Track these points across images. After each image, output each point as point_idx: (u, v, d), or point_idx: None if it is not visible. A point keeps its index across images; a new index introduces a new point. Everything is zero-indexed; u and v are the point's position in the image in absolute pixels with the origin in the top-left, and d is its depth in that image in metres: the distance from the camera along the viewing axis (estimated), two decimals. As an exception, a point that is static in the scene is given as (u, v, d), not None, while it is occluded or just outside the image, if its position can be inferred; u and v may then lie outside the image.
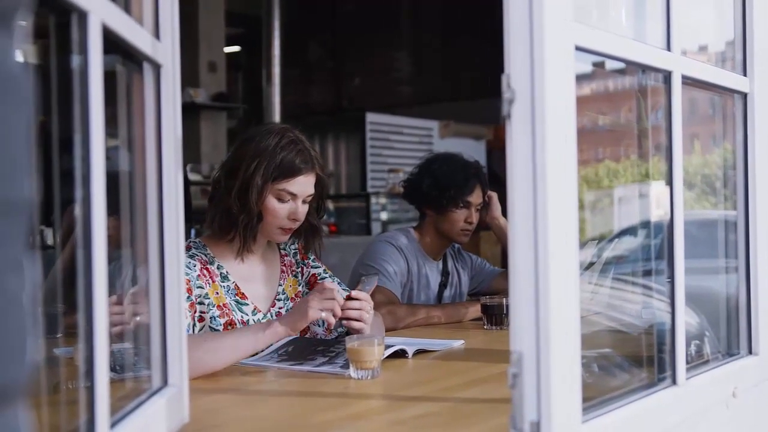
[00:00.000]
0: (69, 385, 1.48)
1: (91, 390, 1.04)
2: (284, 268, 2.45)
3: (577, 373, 1.25)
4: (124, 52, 1.27)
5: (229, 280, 2.29)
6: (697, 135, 2.19)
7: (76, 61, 1.05)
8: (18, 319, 0.57)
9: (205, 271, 2.24)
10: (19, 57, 0.59)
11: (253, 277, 2.36)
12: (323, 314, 2.07)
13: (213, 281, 2.25)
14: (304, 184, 2.28)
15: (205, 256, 2.28)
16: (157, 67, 1.39)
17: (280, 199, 2.26)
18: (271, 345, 2.15)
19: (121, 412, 1.21)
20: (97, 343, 1.04)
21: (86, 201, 1.04)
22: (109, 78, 1.12)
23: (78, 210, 1.04)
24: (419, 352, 2.24)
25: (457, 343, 2.41)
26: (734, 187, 1.95)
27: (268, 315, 2.34)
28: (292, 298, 2.42)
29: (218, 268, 2.29)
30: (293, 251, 2.50)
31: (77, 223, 1.06)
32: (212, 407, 1.71)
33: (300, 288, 2.46)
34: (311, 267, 2.52)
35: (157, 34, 1.39)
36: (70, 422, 1.17)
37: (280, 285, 2.42)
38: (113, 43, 1.16)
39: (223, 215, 2.27)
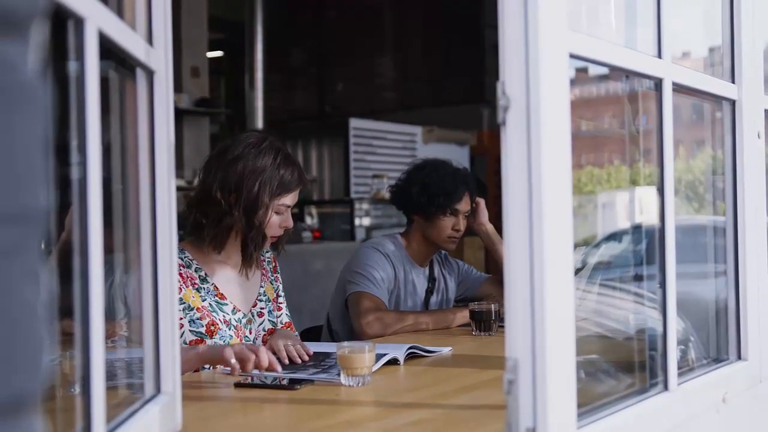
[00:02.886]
0: (58, 393, 1.47)
1: (87, 398, 1.03)
2: (264, 271, 2.54)
3: (573, 379, 1.25)
4: (117, 58, 1.27)
5: (208, 282, 2.35)
6: (680, 140, 2.20)
7: (72, 66, 1.05)
8: (35, 329, 0.56)
9: (179, 276, 2.25)
10: (34, 65, 0.59)
11: (233, 280, 2.41)
12: (233, 361, 1.93)
13: (187, 285, 2.30)
14: (296, 196, 2.41)
15: (182, 259, 2.31)
16: (150, 74, 1.38)
17: (278, 213, 2.36)
18: None
19: (114, 421, 1.21)
20: (94, 351, 1.03)
21: (83, 207, 1.03)
22: (102, 84, 1.11)
23: (74, 216, 1.04)
24: (411, 357, 2.24)
25: (446, 350, 2.41)
26: (717, 192, 1.96)
27: (249, 314, 2.42)
28: (273, 299, 2.52)
29: (196, 271, 2.34)
30: (267, 259, 2.58)
31: (72, 230, 1.05)
32: (204, 415, 1.71)
33: (275, 294, 2.55)
34: (279, 282, 2.61)
35: (150, 41, 1.38)
36: (65, 430, 1.17)
37: (262, 287, 2.50)
38: (107, 49, 1.15)
39: (226, 233, 2.33)
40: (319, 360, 2.20)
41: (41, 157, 0.58)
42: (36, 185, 0.57)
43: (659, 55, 1.57)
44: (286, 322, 2.52)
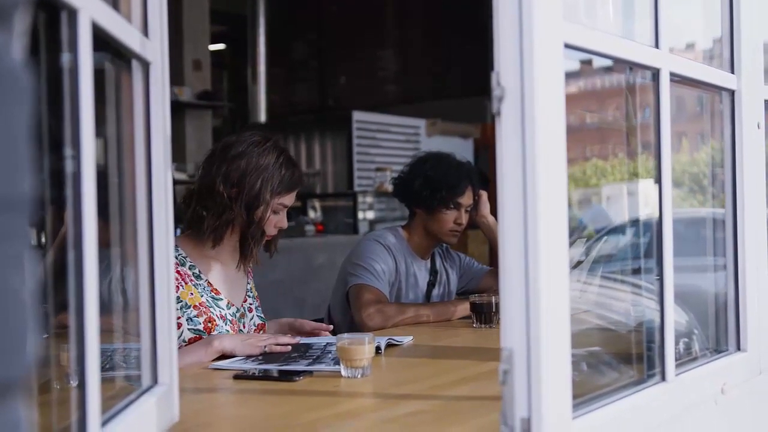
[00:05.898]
0: (56, 385, 1.47)
1: (82, 389, 1.03)
2: (250, 269, 2.58)
3: (568, 369, 1.25)
4: (112, 49, 1.27)
5: (202, 279, 2.38)
6: (684, 133, 2.19)
7: (65, 58, 1.05)
8: (19, 316, 0.57)
9: (176, 274, 2.27)
10: (18, 54, 0.59)
11: (224, 276, 2.45)
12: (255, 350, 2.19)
13: (186, 282, 2.33)
14: (294, 197, 2.45)
15: (176, 257, 2.33)
16: (146, 65, 1.38)
17: (275, 212, 2.39)
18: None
19: (111, 411, 1.21)
20: (88, 342, 1.04)
21: (77, 200, 1.03)
22: (97, 76, 1.11)
23: (68, 210, 1.04)
24: (389, 346, 2.30)
25: (408, 339, 2.45)
26: (721, 184, 1.96)
27: (242, 309, 2.47)
28: (256, 296, 2.57)
29: (190, 268, 2.37)
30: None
31: (64, 223, 1.06)
32: (202, 406, 1.71)
33: (256, 291, 2.60)
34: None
35: (145, 32, 1.38)
36: (60, 421, 1.17)
37: (248, 284, 2.55)
38: (102, 41, 1.15)
39: (226, 227, 2.35)
40: (303, 351, 2.20)
41: (26, 146, 0.58)
42: (20, 173, 0.58)
43: (656, 46, 1.56)
44: (259, 324, 2.55)
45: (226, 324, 2.35)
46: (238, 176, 2.33)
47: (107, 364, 1.42)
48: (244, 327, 2.44)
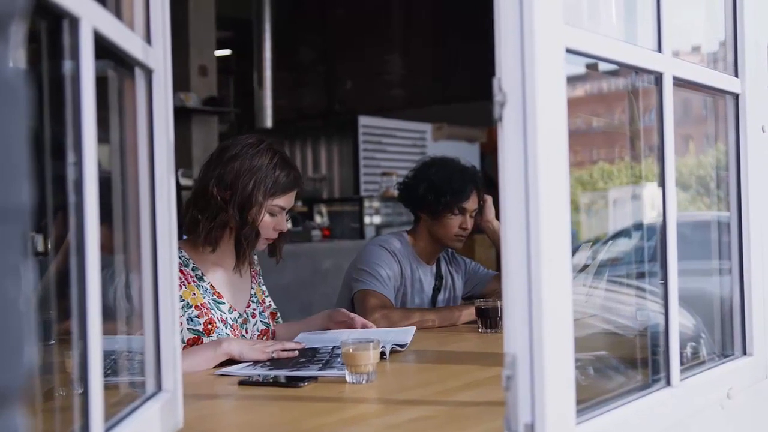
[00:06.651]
0: (61, 392, 1.48)
1: (85, 396, 1.04)
2: (254, 274, 2.58)
3: (571, 375, 1.25)
4: (115, 57, 1.27)
5: (205, 281, 2.38)
6: (690, 136, 2.19)
7: (67, 66, 1.05)
8: (16, 324, 0.57)
9: (179, 274, 2.29)
10: (15, 63, 0.59)
11: (227, 280, 2.45)
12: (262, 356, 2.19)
13: (189, 282, 2.34)
14: (292, 198, 2.44)
15: (180, 258, 2.34)
16: (148, 73, 1.38)
17: (271, 214, 2.39)
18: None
19: (115, 418, 1.21)
20: (91, 350, 1.04)
21: (79, 207, 1.03)
22: (100, 83, 1.12)
23: (70, 216, 1.04)
24: (393, 352, 2.29)
25: (411, 330, 2.49)
26: (727, 187, 1.95)
27: (244, 314, 2.46)
28: (261, 301, 2.56)
29: (193, 270, 2.38)
30: (255, 262, 2.64)
31: (69, 230, 1.06)
32: (206, 413, 1.71)
33: (263, 296, 2.60)
34: (263, 284, 2.63)
35: (148, 40, 1.39)
36: (64, 428, 1.17)
37: (252, 288, 2.54)
38: (104, 48, 1.16)
39: (220, 228, 2.35)
40: (311, 356, 2.20)
41: (23, 155, 0.58)
42: (18, 182, 0.58)
43: (659, 50, 1.56)
44: (271, 313, 2.59)
45: (226, 328, 2.35)
46: (232, 178, 2.33)
47: (110, 369, 1.43)
48: (246, 332, 2.44)
